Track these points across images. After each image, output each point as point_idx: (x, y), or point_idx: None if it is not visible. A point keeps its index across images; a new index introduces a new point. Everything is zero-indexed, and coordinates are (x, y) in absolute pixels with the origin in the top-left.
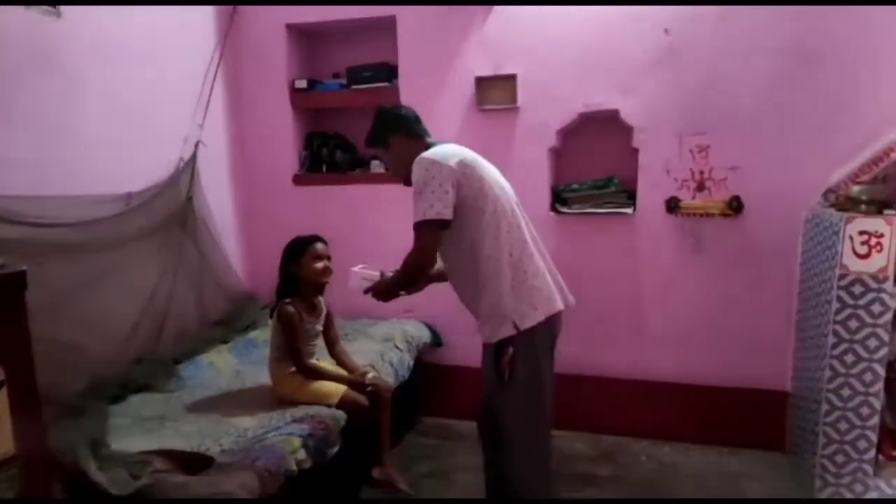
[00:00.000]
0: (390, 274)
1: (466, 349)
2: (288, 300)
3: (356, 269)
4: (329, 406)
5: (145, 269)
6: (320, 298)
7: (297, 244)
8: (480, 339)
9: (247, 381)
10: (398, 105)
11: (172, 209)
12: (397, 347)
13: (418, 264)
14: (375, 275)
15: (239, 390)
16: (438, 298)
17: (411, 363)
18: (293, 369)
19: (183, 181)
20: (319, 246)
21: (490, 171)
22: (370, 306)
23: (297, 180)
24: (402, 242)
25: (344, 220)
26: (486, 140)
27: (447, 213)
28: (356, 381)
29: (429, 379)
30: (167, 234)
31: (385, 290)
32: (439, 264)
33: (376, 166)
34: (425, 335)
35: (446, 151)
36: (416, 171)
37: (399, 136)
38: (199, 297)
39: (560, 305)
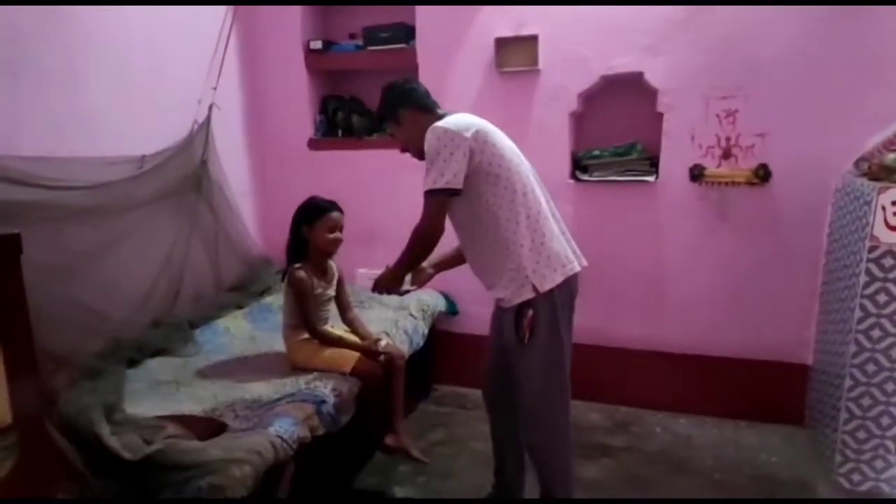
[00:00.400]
0: None
1: (482, 318)
2: (298, 265)
3: (363, 270)
4: (343, 373)
5: (161, 233)
6: (331, 263)
7: (314, 208)
8: (493, 307)
9: (261, 346)
10: (406, 79)
11: (187, 172)
12: (412, 315)
13: (427, 233)
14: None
15: (254, 356)
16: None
17: (426, 331)
18: (307, 336)
19: (197, 144)
20: (336, 215)
21: (504, 138)
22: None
23: (313, 145)
24: (419, 209)
25: (360, 186)
26: (505, 104)
27: (457, 182)
28: (368, 349)
29: (443, 347)
30: (182, 197)
31: (393, 272)
32: (450, 249)
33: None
34: (441, 303)
35: (459, 120)
36: (429, 140)
37: (409, 109)
38: (214, 262)
39: (577, 267)
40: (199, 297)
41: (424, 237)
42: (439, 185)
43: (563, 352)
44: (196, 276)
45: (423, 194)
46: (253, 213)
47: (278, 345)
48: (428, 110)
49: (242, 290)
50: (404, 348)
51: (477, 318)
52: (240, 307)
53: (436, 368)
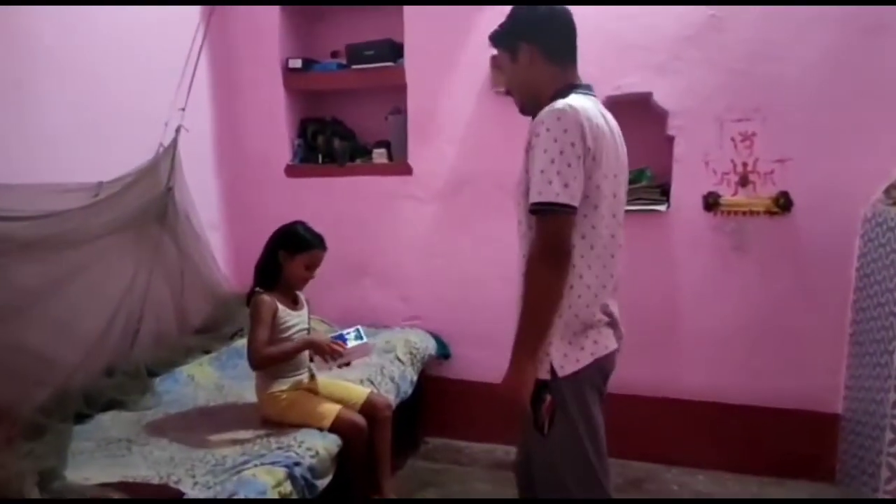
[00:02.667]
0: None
1: (477, 362)
2: (262, 290)
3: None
4: (321, 429)
5: (118, 268)
6: (299, 293)
7: (301, 239)
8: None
9: (229, 396)
10: (550, 5)
11: (149, 201)
12: (399, 360)
13: (549, 268)
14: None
15: (220, 409)
16: (445, 304)
17: (415, 378)
18: (284, 387)
19: (162, 170)
20: (320, 254)
21: (615, 160)
22: (368, 312)
23: (290, 171)
24: (412, 242)
25: (343, 218)
26: (502, 126)
27: (576, 200)
28: (318, 344)
29: (434, 395)
30: (143, 228)
31: (517, 363)
32: None
33: (379, 156)
34: (431, 346)
35: (592, 113)
36: (552, 126)
37: (535, 48)
38: (178, 301)
39: (614, 344)
40: (161, 341)
41: (547, 276)
42: (563, 198)
43: (597, 444)
44: (158, 317)
45: (530, 210)
46: (223, 247)
47: (249, 395)
48: (560, 62)
49: (210, 333)
50: (390, 397)
51: (472, 362)
52: (207, 352)
53: (426, 419)
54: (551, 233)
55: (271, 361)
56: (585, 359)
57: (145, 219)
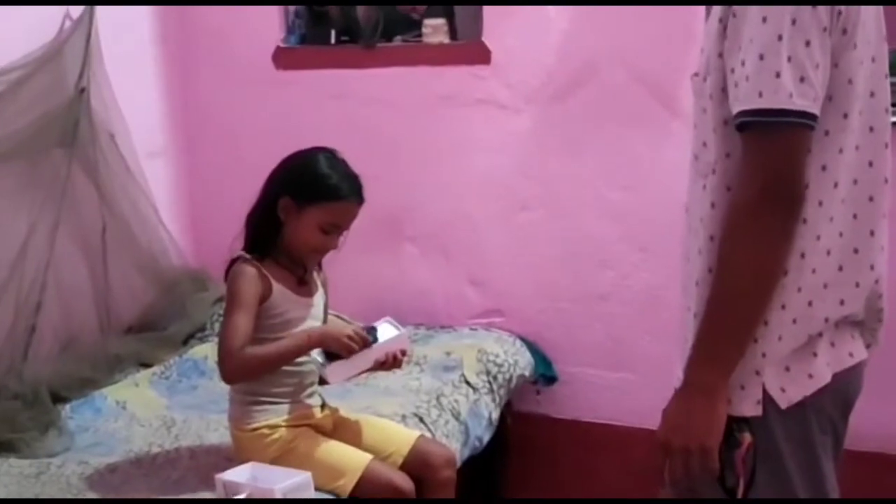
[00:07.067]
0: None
1: (603, 391)
2: (250, 256)
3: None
4: (337, 495)
5: (2, 224)
6: (314, 270)
7: (318, 181)
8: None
9: (184, 437)
10: None
11: (50, 111)
12: (468, 384)
13: (777, 230)
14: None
15: (170, 457)
16: (546, 291)
17: (496, 415)
18: (277, 419)
19: (69, 59)
20: (350, 210)
21: (871, 33)
22: (413, 301)
23: (283, 59)
24: (489, 183)
25: (370, 139)
26: None
27: (818, 105)
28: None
29: (528, 445)
30: (41, 157)
31: (709, 368)
32: None
33: (433, 31)
34: (524, 362)
35: None
36: None
37: None
38: (100, 279)
39: (862, 353)
40: (72, 346)
41: (767, 236)
42: (799, 102)
43: None
44: (67, 306)
45: (738, 125)
46: (170, 188)
47: (216, 434)
48: None
49: (151, 333)
50: (454, 446)
51: (593, 389)
52: (146, 365)
53: (513, 484)
54: (778, 163)
55: (255, 368)
56: (822, 375)
57: (43, 141)
